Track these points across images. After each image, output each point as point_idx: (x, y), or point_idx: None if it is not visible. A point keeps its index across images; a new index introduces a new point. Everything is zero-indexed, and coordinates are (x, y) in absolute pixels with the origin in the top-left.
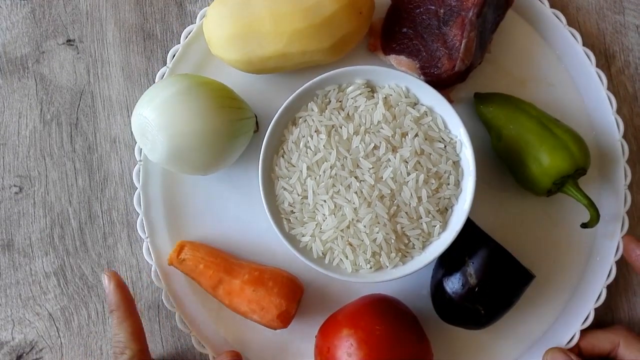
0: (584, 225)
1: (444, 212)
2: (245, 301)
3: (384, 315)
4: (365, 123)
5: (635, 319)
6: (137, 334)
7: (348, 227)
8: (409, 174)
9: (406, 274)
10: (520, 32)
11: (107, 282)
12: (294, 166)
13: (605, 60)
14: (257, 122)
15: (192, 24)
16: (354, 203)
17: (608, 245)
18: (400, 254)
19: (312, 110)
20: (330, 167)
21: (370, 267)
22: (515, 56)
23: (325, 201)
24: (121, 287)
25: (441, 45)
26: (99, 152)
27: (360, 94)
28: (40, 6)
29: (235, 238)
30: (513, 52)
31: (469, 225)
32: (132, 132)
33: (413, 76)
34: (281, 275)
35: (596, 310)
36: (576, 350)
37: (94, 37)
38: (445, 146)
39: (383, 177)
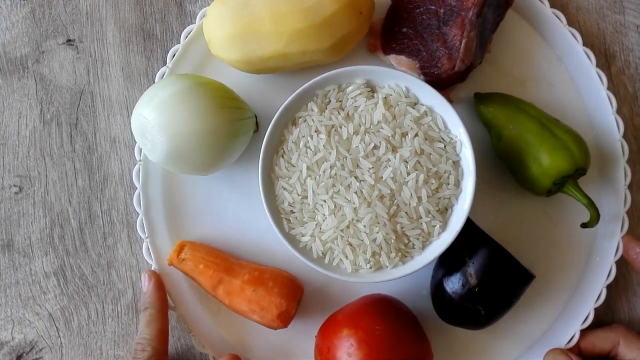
0: (584, 225)
1: (444, 212)
2: (245, 301)
3: (384, 315)
4: (365, 123)
5: (635, 319)
6: (163, 335)
7: (348, 227)
8: (408, 173)
9: (406, 274)
10: (520, 32)
11: (146, 281)
12: (293, 166)
13: (605, 60)
14: (257, 122)
15: (192, 24)
16: (353, 203)
17: (608, 245)
18: (400, 254)
19: (312, 110)
20: (330, 167)
21: (370, 267)
22: (515, 56)
23: (325, 201)
24: (160, 288)
25: (441, 45)
26: (99, 152)
27: (360, 94)
28: (40, 6)
29: (235, 238)
30: (513, 52)
31: (469, 225)
32: (132, 132)
33: (413, 76)
34: (281, 275)
35: (596, 310)
36: (576, 350)
37: (94, 37)
38: (445, 146)
39: (383, 177)
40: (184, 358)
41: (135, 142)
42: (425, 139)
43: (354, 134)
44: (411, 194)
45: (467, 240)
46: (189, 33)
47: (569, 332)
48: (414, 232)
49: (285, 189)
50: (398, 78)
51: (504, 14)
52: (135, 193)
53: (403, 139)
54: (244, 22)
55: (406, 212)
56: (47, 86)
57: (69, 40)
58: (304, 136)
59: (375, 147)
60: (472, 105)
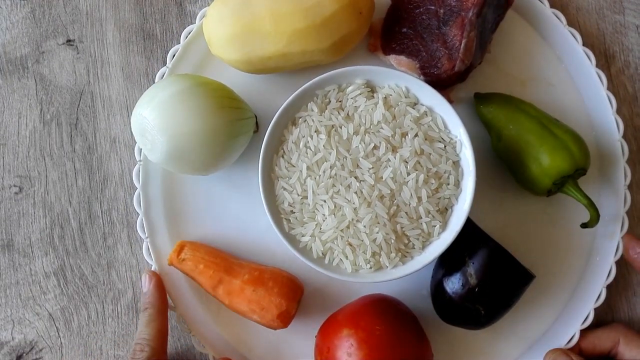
0: (584, 225)
1: (444, 212)
2: (245, 301)
3: (384, 315)
4: (365, 123)
5: (635, 318)
6: (162, 335)
7: (348, 227)
8: (408, 174)
9: (406, 274)
10: (520, 32)
11: (147, 281)
12: (293, 166)
13: (605, 60)
14: (257, 122)
15: (192, 24)
16: (353, 203)
17: (608, 245)
18: (400, 254)
19: (312, 110)
20: (330, 167)
21: (370, 267)
22: (515, 56)
23: (325, 201)
24: (160, 288)
25: (441, 45)
26: (99, 152)
27: (360, 94)
28: (40, 6)
29: (235, 238)
30: (513, 52)
31: (469, 225)
32: (132, 132)
33: (413, 76)
34: (281, 275)
35: (596, 310)
36: (577, 349)
37: (94, 37)
38: (445, 146)
39: (383, 177)
40: (184, 358)
41: (135, 142)
42: (425, 139)
43: (354, 134)
44: (411, 194)
45: (467, 240)
46: (189, 33)
47: (569, 332)
48: (414, 232)
49: (285, 189)
50: (398, 78)
51: (504, 14)
52: (135, 193)
53: (403, 139)
54: (244, 22)
55: (406, 212)
56: (47, 86)
57: (69, 40)
58: (304, 136)
59: (375, 147)
60: (472, 105)
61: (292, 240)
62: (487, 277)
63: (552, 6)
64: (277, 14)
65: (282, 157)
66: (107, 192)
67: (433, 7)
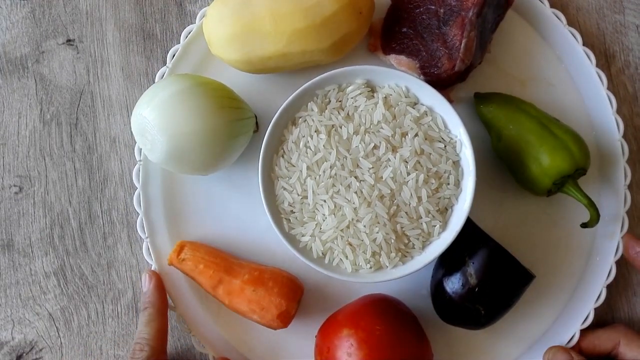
0: (584, 225)
1: (444, 212)
2: (245, 301)
3: (384, 315)
4: (365, 123)
5: (635, 318)
6: (162, 334)
7: (348, 227)
8: (408, 173)
9: (406, 274)
10: (520, 32)
11: (147, 281)
12: (293, 166)
13: (605, 60)
14: (257, 122)
15: (192, 24)
16: (353, 203)
17: (608, 245)
18: (400, 254)
19: (312, 110)
20: (330, 167)
21: (370, 267)
22: (515, 56)
23: (325, 201)
24: (160, 288)
25: (441, 45)
26: (99, 152)
27: (360, 94)
28: (40, 6)
29: (235, 238)
30: (513, 52)
31: (469, 225)
32: (132, 132)
33: (413, 76)
34: (281, 275)
35: (596, 310)
36: (577, 349)
37: (94, 37)
38: (445, 146)
39: (383, 177)
40: (184, 358)
41: (135, 142)
42: (425, 139)
43: (354, 134)
44: (411, 194)
45: (467, 240)
46: (189, 33)
47: (569, 332)
48: (414, 232)
49: (285, 189)
50: (398, 78)
51: (504, 14)
52: (135, 193)
53: (403, 139)
54: (244, 22)
55: (406, 212)
56: (47, 86)
57: (69, 40)
58: (304, 136)
59: (375, 147)
60: (472, 105)
61: (292, 240)
62: (487, 277)
63: (552, 6)
64: (277, 14)
65: (282, 157)
66: (107, 192)
67: (433, 7)
